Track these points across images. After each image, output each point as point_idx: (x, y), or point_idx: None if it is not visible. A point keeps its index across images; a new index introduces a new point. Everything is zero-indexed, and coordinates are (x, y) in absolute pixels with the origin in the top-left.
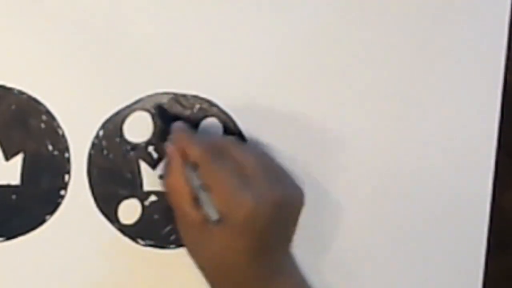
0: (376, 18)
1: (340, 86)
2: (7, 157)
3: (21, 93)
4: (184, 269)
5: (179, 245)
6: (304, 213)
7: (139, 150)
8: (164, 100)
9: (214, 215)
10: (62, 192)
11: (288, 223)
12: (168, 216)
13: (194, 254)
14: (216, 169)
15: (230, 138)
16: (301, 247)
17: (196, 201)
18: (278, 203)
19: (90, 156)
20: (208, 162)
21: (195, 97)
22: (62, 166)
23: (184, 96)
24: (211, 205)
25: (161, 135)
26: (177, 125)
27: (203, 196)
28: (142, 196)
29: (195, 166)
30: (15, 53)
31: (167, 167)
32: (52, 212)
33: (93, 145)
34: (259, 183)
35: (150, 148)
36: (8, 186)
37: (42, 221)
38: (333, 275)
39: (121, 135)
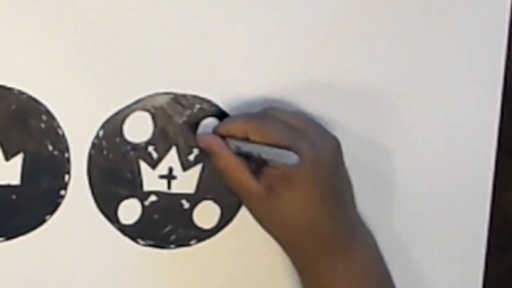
0: (376, 18)
1: (340, 86)
2: (7, 157)
3: (21, 93)
4: (184, 269)
5: (179, 245)
6: None
7: (139, 150)
8: (164, 100)
9: (292, 157)
10: (62, 192)
11: (346, 171)
12: (168, 216)
13: (269, 225)
14: (268, 128)
15: (265, 108)
16: None
17: (254, 173)
18: (336, 149)
19: (90, 156)
20: (258, 126)
21: (195, 97)
22: (62, 166)
23: (184, 96)
24: (283, 152)
25: (161, 135)
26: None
27: (270, 151)
28: (142, 196)
29: (244, 140)
30: (15, 53)
31: (211, 156)
32: (52, 212)
33: (93, 145)
34: (313, 133)
35: (150, 148)
36: (8, 186)
37: (42, 221)
38: None
39: (121, 135)
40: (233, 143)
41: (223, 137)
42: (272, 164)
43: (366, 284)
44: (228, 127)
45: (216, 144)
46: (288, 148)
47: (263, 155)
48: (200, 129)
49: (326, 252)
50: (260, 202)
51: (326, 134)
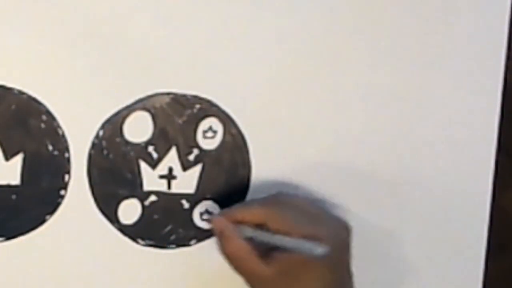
0: (376, 18)
1: (340, 87)
2: (7, 157)
3: (21, 93)
4: (184, 269)
5: (179, 245)
6: None
7: (139, 150)
8: (164, 100)
9: (318, 248)
10: (62, 192)
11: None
12: (168, 216)
13: None
14: (287, 214)
15: (273, 194)
16: None
17: (264, 258)
18: (349, 232)
19: (90, 156)
20: (276, 212)
21: (195, 97)
22: (62, 166)
23: (184, 96)
24: (306, 243)
25: (161, 135)
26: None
27: (291, 242)
28: (142, 196)
29: (258, 226)
30: (15, 53)
31: (220, 239)
32: (52, 212)
33: (93, 145)
34: (327, 217)
35: (150, 148)
36: (8, 186)
37: (42, 221)
38: None
39: (121, 135)
40: (247, 229)
41: (237, 221)
42: (295, 252)
43: None
44: (244, 212)
45: (228, 228)
46: (310, 238)
47: (281, 243)
48: (200, 129)
49: None
50: (274, 285)
51: (339, 219)
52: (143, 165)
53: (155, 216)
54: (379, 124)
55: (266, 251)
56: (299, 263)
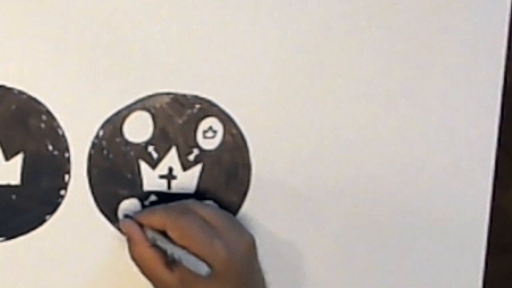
0: (375, 19)
1: (340, 87)
2: (7, 157)
3: (21, 93)
4: None
5: None
6: (304, 212)
7: (139, 150)
8: (164, 100)
9: (203, 268)
10: (62, 192)
11: (259, 267)
12: None
13: None
14: (185, 225)
15: (186, 201)
16: (301, 247)
17: (168, 264)
18: (251, 247)
19: (90, 156)
20: (176, 221)
21: (195, 97)
22: (62, 166)
23: (184, 96)
24: (195, 260)
25: (161, 135)
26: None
27: (183, 255)
28: (142, 196)
29: (161, 233)
30: (15, 53)
31: (128, 243)
32: (52, 212)
33: (93, 145)
34: (229, 231)
35: (150, 148)
36: (8, 186)
37: (42, 221)
38: (332, 275)
39: (121, 135)
40: (150, 234)
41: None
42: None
43: None
44: (148, 218)
45: (135, 232)
46: (204, 253)
47: (176, 256)
48: (200, 129)
49: None
50: None
51: (243, 232)
52: (143, 165)
53: None
54: (379, 124)
55: (173, 259)
56: (194, 277)
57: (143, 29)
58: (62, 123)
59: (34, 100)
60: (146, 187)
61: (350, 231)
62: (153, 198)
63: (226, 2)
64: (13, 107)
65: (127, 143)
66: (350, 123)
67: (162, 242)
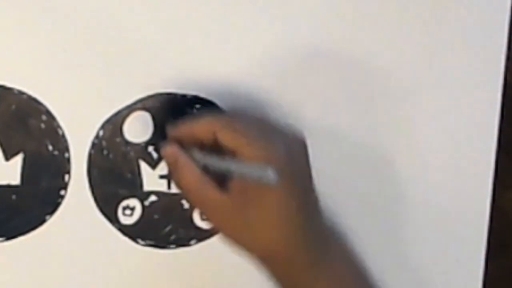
0: (375, 18)
1: (339, 87)
2: (7, 157)
3: (21, 93)
4: (184, 269)
5: (179, 245)
6: None
7: (139, 150)
8: (164, 100)
9: (269, 175)
10: (62, 192)
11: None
12: (168, 216)
13: (242, 240)
14: (239, 125)
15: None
16: None
17: (221, 186)
18: (305, 145)
19: (90, 156)
20: (228, 123)
21: (195, 97)
22: (62, 166)
23: (184, 96)
24: (257, 167)
25: (161, 135)
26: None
27: (241, 166)
28: (142, 196)
29: (209, 151)
30: (15, 53)
31: (173, 172)
32: (52, 212)
33: (93, 145)
34: (282, 129)
35: (150, 148)
36: (8, 186)
37: (42, 221)
38: None
39: (121, 135)
40: (197, 155)
41: (181, 143)
42: (246, 180)
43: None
44: (193, 126)
45: (180, 156)
46: (262, 159)
47: (233, 168)
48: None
49: (305, 261)
50: (232, 218)
51: (294, 130)
52: (143, 165)
53: (155, 216)
54: (378, 124)
55: (222, 179)
56: (255, 189)
57: (143, 29)
58: (62, 123)
59: (34, 100)
60: (146, 187)
61: (349, 231)
62: (153, 198)
63: (226, 2)
64: (13, 107)
65: (127, 143)
66: (350, 123)
67: (212, 160)
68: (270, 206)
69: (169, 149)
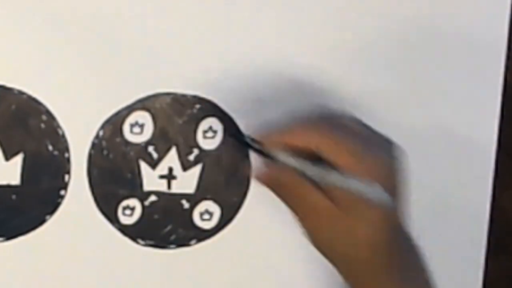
0: (375, 18)
1: (339, 87)
2: (7, 157)
3: (21, 93)
4: (184, 269)
5: (179, 245)
6: None
7: (139, 150)
8: (164, 100)
9: (379, 192)
10: (62, 192)
11: None
12: (168, 216)
13: (339, 243)
14: (343, 140)
15: (320, 114)
16: (302, 246)
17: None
18: (400, 156)
19: (90, 156)
20: (330, 138)
21: (195, 97)
22: (62, 166)
23: (184, 96)
24: (367, 184)
25: (161, 135)
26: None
27: (347, 181)
28: (142, 196)
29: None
30: (15, 53)
31: (269, 183)
32: (52, 212)
33: (93, 145)
34: (377, 140)
35: (150, 148)
36: (8, 186)
37: (42, 221)
38: (332, 273)
39: (121, 135)
40: (297, 163)
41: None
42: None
43: None
44: (293, 137)
45: (287, 174)
46: (366, 174)
47: (339, 184)
48: (200, 129)
49: (394, 271)
50: (337, 225)
51: (388, 140)
52: (143, 165)
53: (155, 216)
54: (378, 124)
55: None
56: (360, 202)
57: (143, 29)
58: (62, 123)
59: (34, 100)
60: (146, 187)
61: None
62: (153, 198)
63: (226, 2)
64: (13, 107)
65: (127, 143)
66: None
67: (313, 169)
68: (376, 222)
69: (272, 172)
